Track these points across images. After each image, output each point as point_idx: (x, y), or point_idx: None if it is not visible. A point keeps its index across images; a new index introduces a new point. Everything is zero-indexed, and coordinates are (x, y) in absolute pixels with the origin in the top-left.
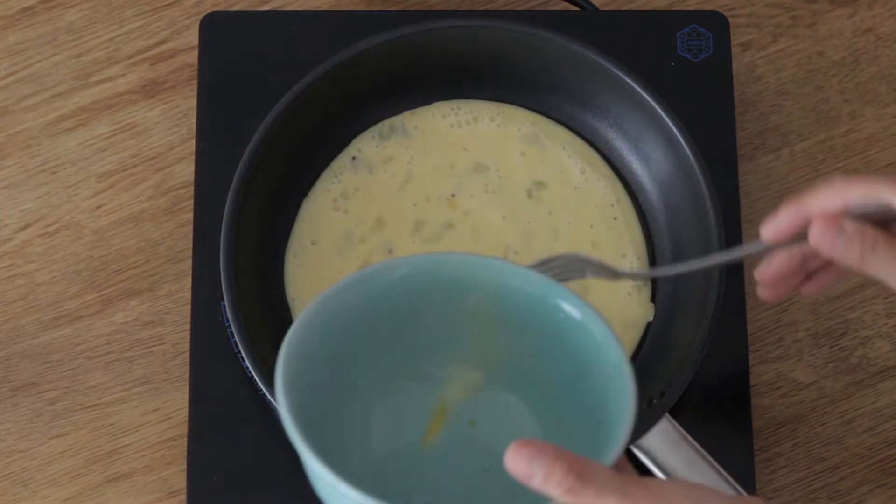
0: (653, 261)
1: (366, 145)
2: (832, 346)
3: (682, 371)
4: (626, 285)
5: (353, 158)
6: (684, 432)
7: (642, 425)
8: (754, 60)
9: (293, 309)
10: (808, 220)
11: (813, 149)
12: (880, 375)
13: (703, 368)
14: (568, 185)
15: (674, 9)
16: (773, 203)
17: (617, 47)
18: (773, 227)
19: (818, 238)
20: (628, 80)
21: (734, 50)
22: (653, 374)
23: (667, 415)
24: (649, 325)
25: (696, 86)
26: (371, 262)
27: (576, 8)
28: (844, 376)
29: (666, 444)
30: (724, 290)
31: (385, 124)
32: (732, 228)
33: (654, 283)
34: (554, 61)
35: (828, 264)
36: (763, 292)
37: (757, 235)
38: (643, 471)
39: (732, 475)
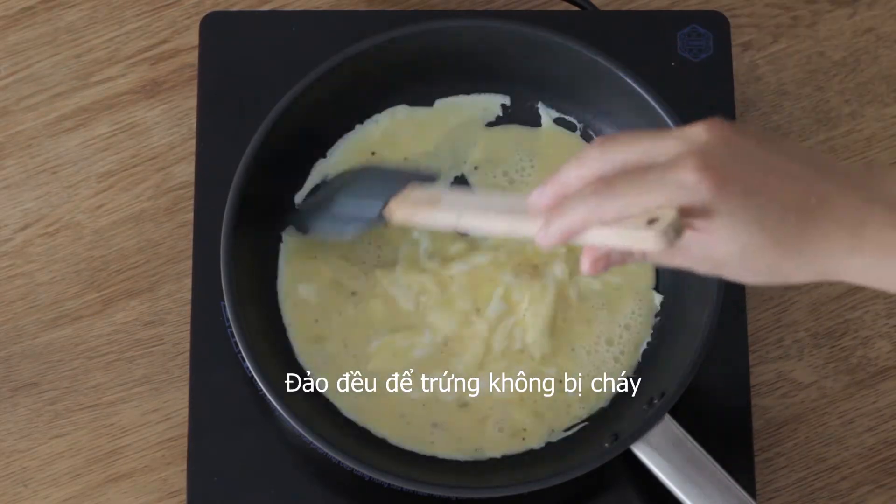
0: None
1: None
2: (832, 346)
3: (682, 371)
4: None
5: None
6: (685, 432)
7: (643, 425)
8: (755, 60)
9: (288, 310)
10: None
11: (813, 149)
12: (880, 375)
13: (703, 368)
14: None
15: (674, 9)
16: None
17: (617, 47)
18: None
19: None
20: (629, 81)
21: (734, 50)
22: (654, 374)
23: (667, 415)
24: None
25: (697, 86)
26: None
27: (576, 8)
28: (844, 376)
29: (667, 444)
30: (725, 290)
31: None
32: None
33: (658, 286)
34: (554, 61)
35: None
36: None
37: None
38: (643, 471)
39: (732, 475)
